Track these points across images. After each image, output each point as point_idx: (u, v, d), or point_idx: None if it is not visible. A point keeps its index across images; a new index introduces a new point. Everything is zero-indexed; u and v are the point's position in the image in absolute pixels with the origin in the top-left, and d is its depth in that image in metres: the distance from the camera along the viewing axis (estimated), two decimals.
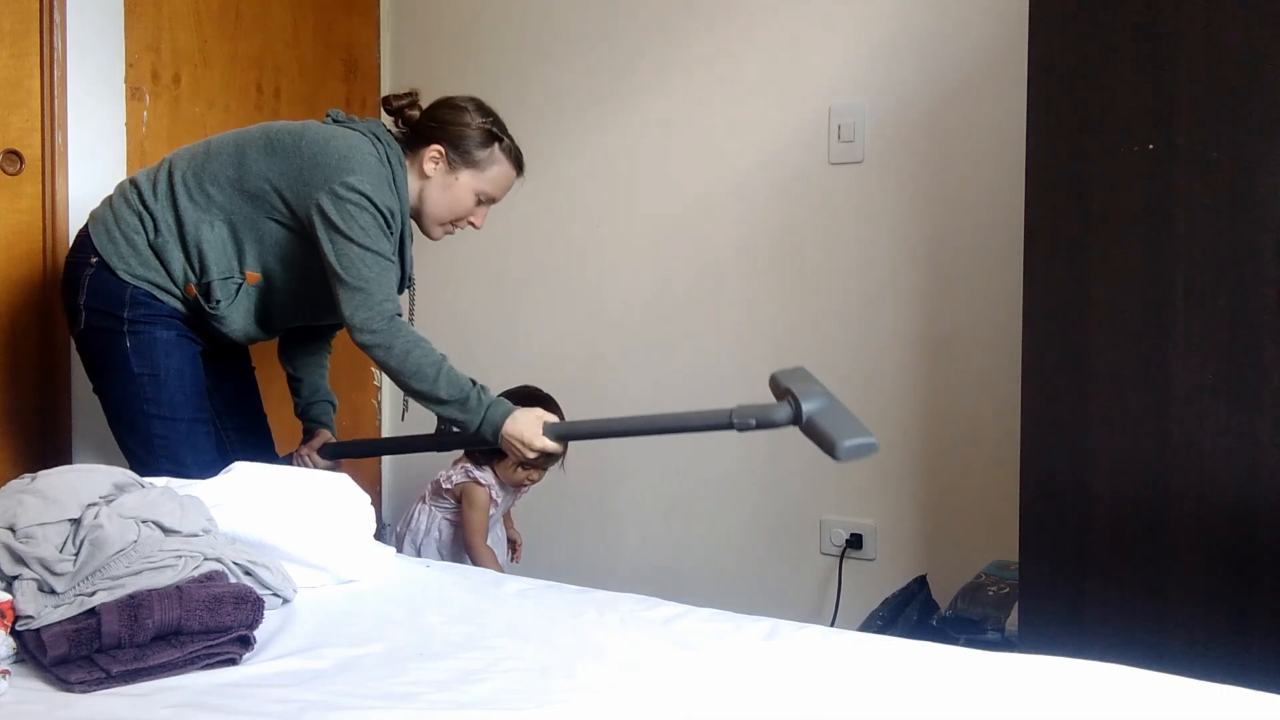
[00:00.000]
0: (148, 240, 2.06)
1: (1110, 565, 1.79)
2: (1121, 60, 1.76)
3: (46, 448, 2.47)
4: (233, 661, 1.36)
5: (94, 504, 1.48)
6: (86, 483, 1.52)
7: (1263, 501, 1.66)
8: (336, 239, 1.97)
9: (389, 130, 2.14)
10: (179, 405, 2.08)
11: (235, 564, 1.53)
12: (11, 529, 1.43)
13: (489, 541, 2.56)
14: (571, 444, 2.74)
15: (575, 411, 2.66)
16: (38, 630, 1.34)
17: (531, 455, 2.04)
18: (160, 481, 1.67)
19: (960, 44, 2.47)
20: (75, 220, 2.50)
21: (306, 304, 2.14)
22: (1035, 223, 1.84)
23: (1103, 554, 1.80)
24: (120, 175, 2.61)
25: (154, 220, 2.05)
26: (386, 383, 3.33)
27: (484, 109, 2.15)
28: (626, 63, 2.90)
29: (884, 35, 2.55)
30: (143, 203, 2.07)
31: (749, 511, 2.77)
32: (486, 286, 3.11)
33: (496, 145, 2.13)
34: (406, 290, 2.21)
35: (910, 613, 2.27)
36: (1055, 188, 1.81)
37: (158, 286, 2.06)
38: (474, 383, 2.02)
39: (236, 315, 2.09)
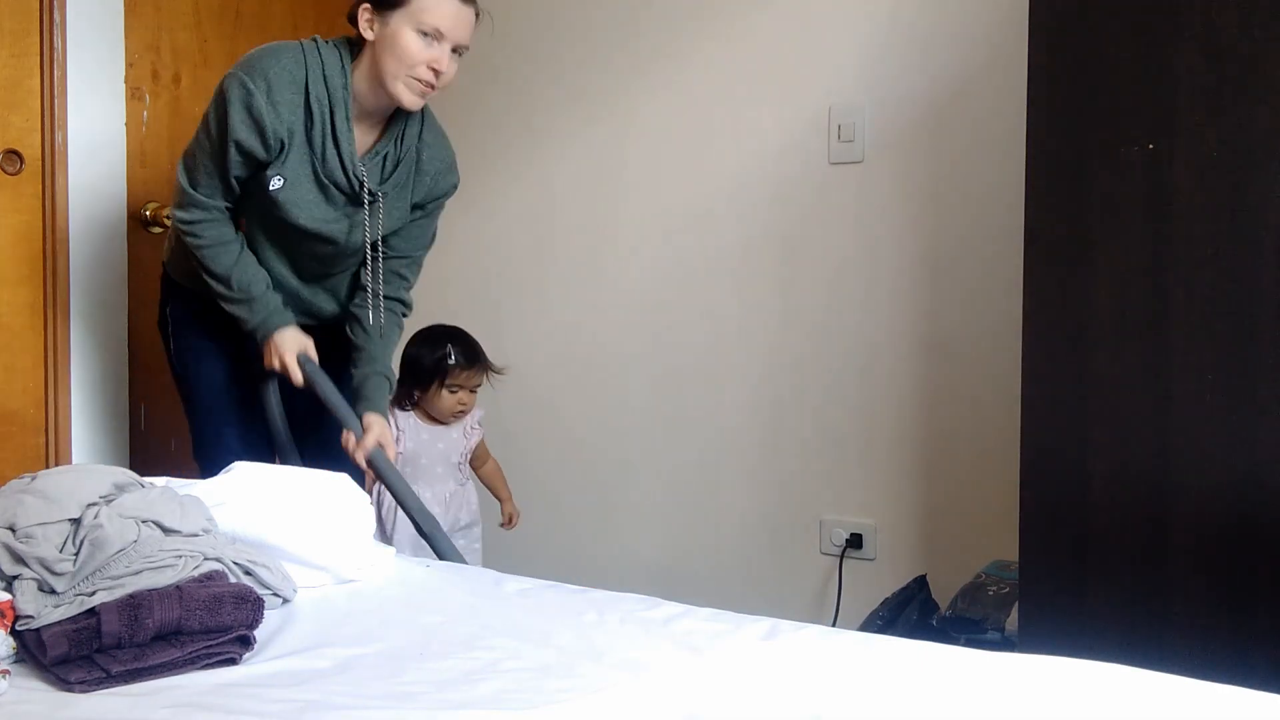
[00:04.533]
0: None
1: (1110, 565, 1.79)
2: (1121, 60, 1.76)
3: (47, 448, 2.47)
4: (233, 661, 1.36)
5: (94, 504, 1.48)
6: (86, 483, 1.52)
7: (1263, 501, 1.66)
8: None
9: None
10: (209, 404, 2.26)
11: (235, 564, 1.52)
12: (11, 529, 1.43)
13: (428, 496, 2.48)
14: (572, 444, 2.75)
15: (576, 411, 2.66)
16: (38, 630, 1.34)
17: (275, 363, 2.12)
18: (160, 481, 1.68)
19: (960, 44, 2.47)
20: (75, 220, 2.50)
21: (284, 246, 2.17)
22: (1035, 223, 1.84)
23: (1103, 554, 1.80)
24: (120, 175, 2.61)
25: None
26: None
27: None
28: (626, 63, 2.90)
29: (884, 35, 2.55)
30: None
31: (749, 511, 2.77)
32: (485, 287, 3.11)
33: None
34: (370, 260, 2.18)
35: (910, 613, 2.27)
36: (1055, 188, 1.81)
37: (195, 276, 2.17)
38: (268, 287, 2.13)
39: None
